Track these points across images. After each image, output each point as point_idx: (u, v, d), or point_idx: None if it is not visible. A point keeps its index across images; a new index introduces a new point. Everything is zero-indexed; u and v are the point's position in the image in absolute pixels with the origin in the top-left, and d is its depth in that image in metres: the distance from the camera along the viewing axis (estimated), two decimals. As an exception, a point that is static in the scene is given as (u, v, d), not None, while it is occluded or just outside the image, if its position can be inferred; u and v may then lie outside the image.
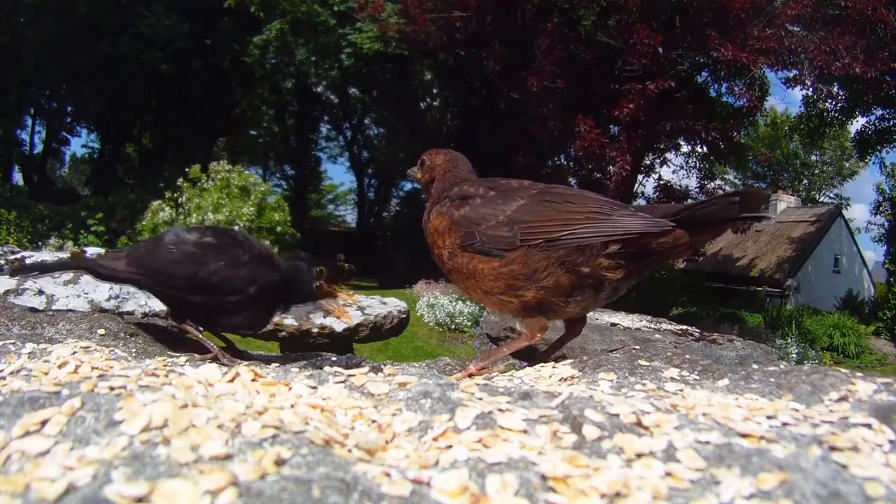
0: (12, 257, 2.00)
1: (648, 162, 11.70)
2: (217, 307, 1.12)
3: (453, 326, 8.81)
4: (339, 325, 2.52)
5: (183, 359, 0.97)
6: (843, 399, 0.65)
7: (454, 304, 8.98)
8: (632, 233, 0.90)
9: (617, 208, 0.93)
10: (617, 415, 0.54)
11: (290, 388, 0.65)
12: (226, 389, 0.61)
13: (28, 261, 1.97)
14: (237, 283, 1.10)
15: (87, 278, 1.85)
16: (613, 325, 2.55)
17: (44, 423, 0.49)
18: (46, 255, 2.25)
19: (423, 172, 1.17)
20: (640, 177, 11.60)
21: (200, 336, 1.15)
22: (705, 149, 11.46)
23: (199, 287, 1.09)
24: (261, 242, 1.23)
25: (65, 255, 2.43)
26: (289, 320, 2.49)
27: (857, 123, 15.46)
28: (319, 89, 20.67)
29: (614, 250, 0.91)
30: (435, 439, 0.52)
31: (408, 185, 23.26)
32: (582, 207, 0.93)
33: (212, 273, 1.09)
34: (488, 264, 0.94)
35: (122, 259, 1.15)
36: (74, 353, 0.80)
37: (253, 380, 0.65)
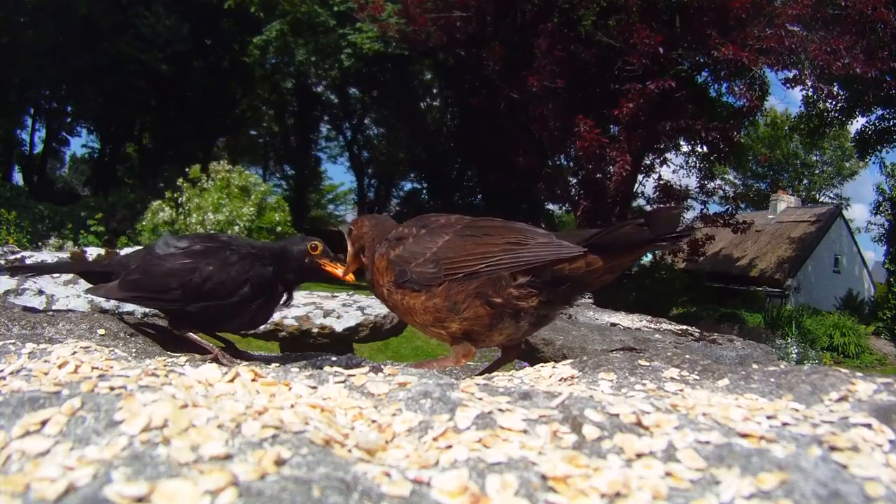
0: (12, 257, 2.00)
1: (648, 162, 11.70)
2: (216, 312, 1.12)
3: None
4: (339, 325, 2.52)
5: (183, 359, 0.97)
6: (843, 399, 0.65)
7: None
8: (537, 262, 0.92)
9: (535, 237, 0.95)
10: (617, 415, 0.54)
11: (290, 388, 0.64)
12: (226, 389, 0.61)
13: (28, 261, 1.97)
14: (231, 286, 1.10)
15: (87, 278, 1.85)
16: (613, 325, 2.55)
17: (44, 423, 0.49)
18: (46, 255, 2.25)
19: (353, 241, 1.17)
20: (640, 177, 11.61)
21: (198, 339, 1.16)
22: (705, 149, 11.47)
23: (195, 295, 1.10)
24: (248, 240, 1.23)
25: (65, 255, 2.43)
26: (289, 320, 2.49)
27: (857, 123, 15.49)
28: (319, 89, 20.69)
29: (525, 280, 0.94)
30: (435, 439, 0.52)
31: (408, 185, 23.30)
32: (500, 239, 0.95)
33: (205, 280, 1.09)
34: (418, 299, 1.00)
35: (114, 286, 1.15)
36: (74, 353, 0.80)
37: (253, 380, 0.65)
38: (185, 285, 1.09)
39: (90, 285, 1.23)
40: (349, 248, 1.18)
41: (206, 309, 1.12)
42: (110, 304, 1.84)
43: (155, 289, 1.12)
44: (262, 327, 2.42)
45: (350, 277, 1.19)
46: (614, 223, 0.90)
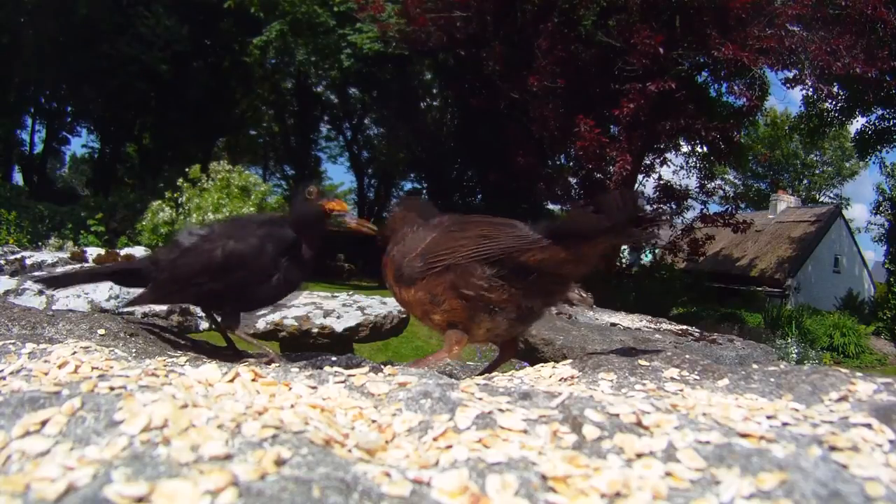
0: (12, 257, 2.00)
1: (648, 162, 11.69)
2: (247, 283, 1.12)
3: (453, 326, 8.79)
4: (339, 325, 2.52)
5: (183, 359, 0.97)
6: (843, 399, 0.65)
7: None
8: (494, 253, 0.92)
9: (507, 230, 0.94)
10: (617, 415, 0.54)
11: (290, 389, 0.65)
12: (226, 389, 0.61)
13: (28, 261, 1.97)
14: (253, 251, 1.10)
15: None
16: (613, 325, 2.55)
17: (44, 423, 0.49)
18: (46, 255, 2.25)
19: (390, 229, 1.21)
20: (640, 177, 11.60)
21: (255, 341, 1.17)
22: (705, 149, 11.46)
23: (221, 272, 1.09)
24: (261, 214, 1.22)
25: (65, 255, 2.44)
26: (289, 320, 2.49)
27: (857, 123, 15.49)
28: (319, 89, 20.67)
29: (491, 272, 0.94)
30: (435, 439, 0.52)
31: (408, 185, 23.28)
32: (472, 233, 0.97)
33: (227, 254, 1.09)
34: (409, 293, 1.04)
35: (147, 292, 1.16)
36: (74, 353, 0.80)
37: (253, 380, 0.65)
38: (208, 265, 1.09)
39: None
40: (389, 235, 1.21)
41: (236, 282, 1.11)
42: (110, 304, 1.84)
43: (182, 278, 1.12)
44: (261, 326, 2.42)
45: (343, 207, 1.18)
46: (572, 211, 0.88)
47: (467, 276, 0.95)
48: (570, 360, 0.94)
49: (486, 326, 1.00)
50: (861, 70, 8.75)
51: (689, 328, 2.56)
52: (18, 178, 20.25)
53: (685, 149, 12.25)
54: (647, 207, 11.96)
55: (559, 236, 0.90)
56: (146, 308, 1.86)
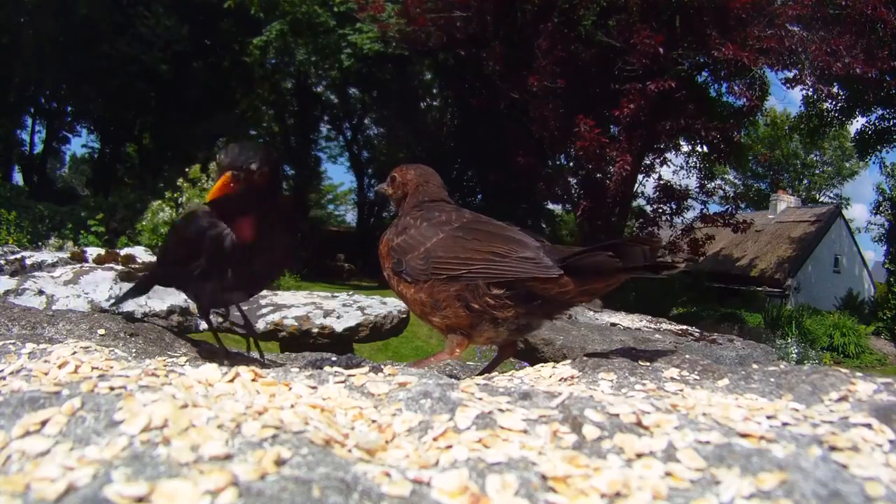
0: (12, 257, 2.00)
1: (648, 162, 11.69)
2: (246, 267, 1.09)
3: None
4: (339, 325, 2.52)
5: (183, 359, 0.97)
6: (843, 399, 0.65)
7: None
8: (509, 278, 0.94)
9: (519, 250, 0.95)
10: (617, 415, 0.54)
11: (290, 389, 0.64)
12: (226, 389, 0.61)
13: (28, 261, 1.97)
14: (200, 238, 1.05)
15: (86, 278, 1.85)
16: (613, 325, 2.55)
17: (44, 423, 0.49)
18: (46, 255, 2.25)
19: (395, 189, 1.21)
20: (640, 177, 11.60)
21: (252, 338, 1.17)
22: (705, 149, 11.46)
23: (216, 253, 1.05)
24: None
25: (65, 255, 2.44)
26: (289, 320, 2.49)
27: (857, 123, 15.50)
28: (319, 89, 20.68)
29: (500, 292, 0.96)
30: (435, 439, 0.52)
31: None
32: (485, 247, 0.97)
33: (219, 235, 1.04)
34: (409, 290, 1.04)
35: (148, 274, 1.17)
36: (74, 353, 0.80)
37: (253, 380, 0.65)
38: (202, 243, 1.05)
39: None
40: (390, 193, 1.21)
41: (232, 268, 1.07)
42: (110, 304, 1.84)
43: (175, 255, 1.12)
44: (261, 326, 2.42)
45: (224, 189, 0.99)
46: (590, 248, 0.90)
47: (475, 290, 0.96)
48: (570, 360, 0.94)
49: (487, 335, 1.02)
50: (861, 70, 8.75)
51: (689, 328, 2.56)
52: (18, 178, 20.27)
53: (685, 149, 12.26)
54: (648, 209, 12.03)
55: (573, 270, 0.90)
56: (146, 308, 1.86)
